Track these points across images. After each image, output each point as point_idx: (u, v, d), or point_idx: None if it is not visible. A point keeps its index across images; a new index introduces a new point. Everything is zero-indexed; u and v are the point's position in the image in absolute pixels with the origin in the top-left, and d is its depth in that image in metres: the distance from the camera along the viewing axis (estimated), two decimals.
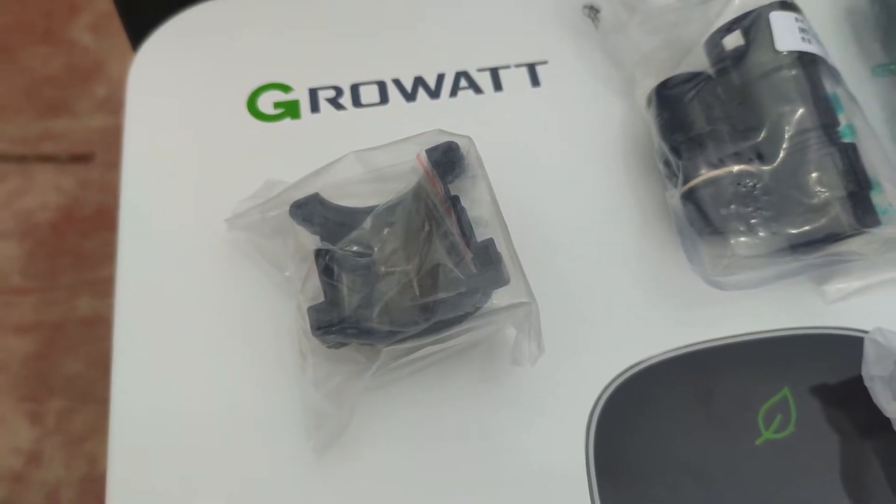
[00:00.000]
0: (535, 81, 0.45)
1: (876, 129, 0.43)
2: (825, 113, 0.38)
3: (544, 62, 0.46)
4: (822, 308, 0.39)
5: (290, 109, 0.44)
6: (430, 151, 0.36)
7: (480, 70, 0.46)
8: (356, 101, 0.45)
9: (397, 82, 0.45)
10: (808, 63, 0.38)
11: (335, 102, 0.45)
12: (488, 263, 0.33)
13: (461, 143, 0.36)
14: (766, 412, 0.36)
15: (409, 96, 0.45)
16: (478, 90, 0.45)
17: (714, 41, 0.40)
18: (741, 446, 0.35)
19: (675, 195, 0.38)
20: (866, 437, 0.35)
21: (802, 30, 0.38)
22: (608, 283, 0.39)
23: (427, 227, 0.35)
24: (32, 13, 1.26)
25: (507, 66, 0.46)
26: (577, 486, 0.34)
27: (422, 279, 0.34)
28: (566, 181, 0.42)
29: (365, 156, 0.37)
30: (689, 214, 0.37)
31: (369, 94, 0.45)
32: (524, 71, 0.46)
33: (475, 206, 0.36)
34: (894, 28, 0.43)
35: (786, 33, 0.38)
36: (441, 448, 0.35)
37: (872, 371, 0.35)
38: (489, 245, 0.33)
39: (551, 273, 0.39)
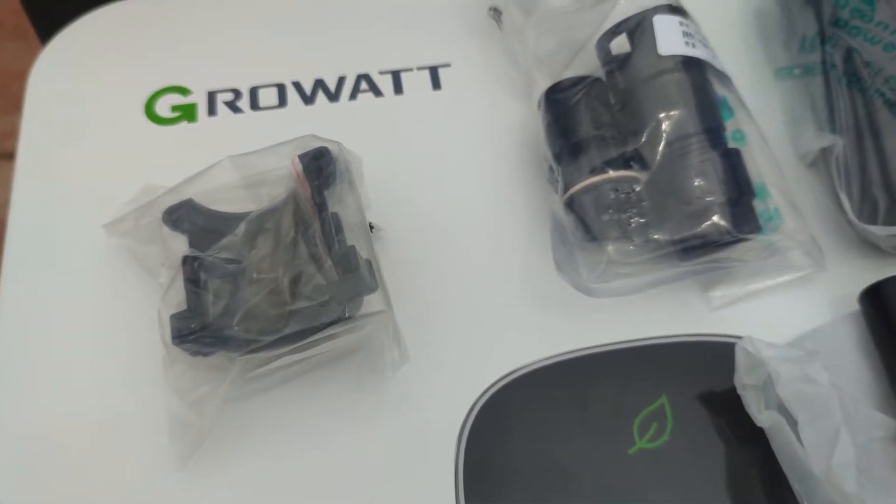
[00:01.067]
0: (436, 84, 0.45)
1: (775, 132, 0.43)
2: (708, 118, 0.37)
3: (447, 65, 0.46)
4: (706, 315, 0.38)
5: (187, 113, 0.44)
6: (302, 157, 0.36)
7: (382, 73, 0.45)
8: (254, 104, 0.44)
9: (297, 85, 0.45)
10: (692, 67, 0.38)
11: (233, 105, 0.44)
12: (348, 271, 0.32)
13: (332, 147, 0.36)
14: (642, 421, 0.36)
15: (308, 99, 0.44)
16: (378, 93, 0.45)
17: (602, 44, 0.39)
18: (614, 455, 0.35)
19: (556, 201, 0.38)
20: (740, 447, 0.35)
21: (687, 34, 0.38)
22: (489, 290, 0.38)
23: (294, 234, 0.34)
24: (2, 10, 1.26)
25: (410, 69, 0.46)
26: (445, 496, 0.34)
27: (286, 287, 0.34)
28: (457, 186, 0.42)
29: (240, 161, 0.37)
30: (569, 221, 0.37)
31: (268, 96, 0.45)
32: (426, 74, 0.45)
33: (349, 212, 0.35)
34: (795, 30, 0.42)
35: (669, 37, 0.37)
36: (307, 458, 0.35)
37: (744, 380, 0.34)
38: (349, 252, 0.33)
39: (431, 280, 0.38)
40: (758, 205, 0.38)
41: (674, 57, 0.37)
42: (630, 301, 0.38)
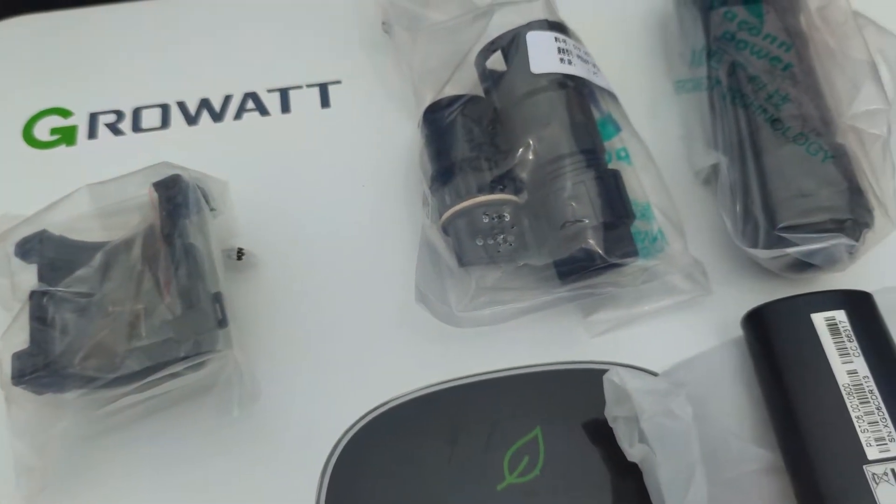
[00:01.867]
0: (325, 102, 0.44)
1: (674, 147, 0.41)
2: (584, 138, 0.36)
3: (338, 82, 0.44)
4: (587, 341, 0.37)
5: (66, 136, 0.43)
6: (157, 184, 0.35)
7: (271, 91, 0.44)
8: (136, 126, 0.43)
9: (181, 105, 0.44)
10: (568, 86, 0.36)
11: (114, 128, 0.43)
12: (189, 307, 0.31)
13: (187, 174, 0.34)
14: (514, 454, 0.34)
15: (192, 120, 0.43)
16: (264, 112, 0.44)
17: (479, 61, 0.38)
18: (482, 492, 0.34)
19: (428, 226, 0.36)
20: (613, 481, 0.34)
21: (563, 50, 0.37)
22: (361, 319, 0.37)
23: (143, 266, 0.33)
24: None
25: (299, 87, 0.44)
26: None
27: (133, 322, 0.32)
28: (338, 209, 0.40)
29: (99, 189, 0.36)
30: (441, 247, 0.36)
31: (151, 117, 0.43)
32: (316, 91, 0.44)
33: (205, 242, 0.34)
34: (687, 42, 0.41)
35: (542, 55, 0.36)
36: (161, 499, 0.33)
37: (614, 412, 0.33)
38: (192, 286, 0.32)
39: (302, 308, 0.37)
40: (643, 226, 0.37)
41: (547, 75, 0.36)
42: (509, 328, 0.37)
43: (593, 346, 0.37)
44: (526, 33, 0.36)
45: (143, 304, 0.32)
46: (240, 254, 0.37)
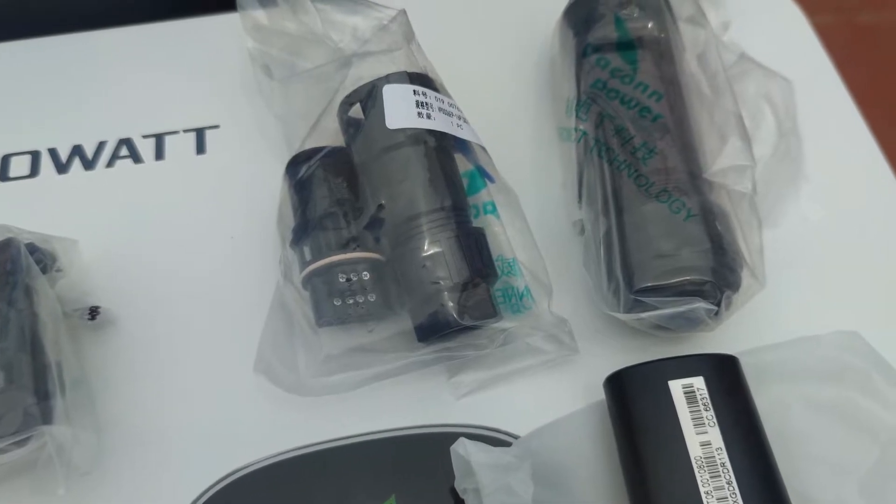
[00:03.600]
0: (200, 148, 0.43)
1: (555, 195, 0.40)
2: (442, 195, 0.34)
3: (216, 126, 0.43)
4: (453, 403, 0.36)
5: None
6: None
7: (146, 136, 0.43)
8: (3, 175, 0.42)
9: (53, 152, 0.42)
10: (427, 141, 0.35)
11: None
12: (10, 382, 0.30)
13: (19, 238, 0.33)
14: None
15: (62, 167, 0.42)
16: (137, 159, 0.42)
17: (341, 113, 0.37)
18: None
19: (282, 286, 0.35)
20: None
21: (422, 104, 0.35)
22: (214, 381, 0.36)
23: None
24: None
25: (176, 132, 0.43)
26: None
27: None
28: (201, 263, 0.39)
29: None
30: (293, 307, 0.34)
31: (20, 165, 0.42)
32: (192, 137, 0.43)
33: (44, 307, 0.33)
34: (562, 91, 0.40)
35: (399, 109, 0.35)
36: None
37: (462, 484, 0.32)
38: (15, 361, 0.30)
39: (153, 371, 0.36)
40: (510, 282, 0.36)
41: (404, 130, 0.35)
42: (369, 389, 0.35)
43: (458, 407, 0.36)
44: (383, 86, 0.35)
45: None
46: (93, 313, 0.36)
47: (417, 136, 0.35)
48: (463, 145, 0.36)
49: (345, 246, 0.35)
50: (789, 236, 0.40)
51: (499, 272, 0.35)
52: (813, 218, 0.40)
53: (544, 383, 0.36)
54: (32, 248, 0.34)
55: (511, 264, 0.36)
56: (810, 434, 0.34)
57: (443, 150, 0.35)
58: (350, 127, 0.36)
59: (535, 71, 0.45)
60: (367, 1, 0.38)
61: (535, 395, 0.36)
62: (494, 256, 0.36)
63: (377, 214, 0.34)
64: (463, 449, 0.31)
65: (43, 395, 0.30)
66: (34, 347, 0.31)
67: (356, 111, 0.36)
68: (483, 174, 0.37)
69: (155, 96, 0.44)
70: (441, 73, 0.39)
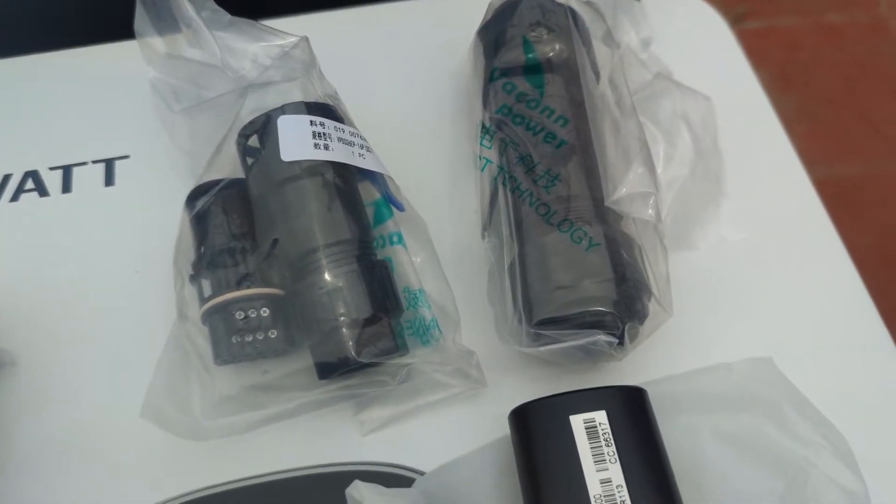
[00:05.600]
0: (109, 180, 0.41)
1: (469, 222, 0.39)
2: (340, 229, 0.34)
3: (125, 157, 0.42)
4: (359, 440, 0.35)
5: None
6: None
7: (53, 168, 0.42)
8: None
9: None
10: (323, 173, 0.34)
11: None
12: None
13: None
14: None
15: None
16: (43, 192, 0.41)
17: (239, 144, 0.36)
18: None
19: (177, 325, 0.34)
20: None
21: (320, 134, 0.35)
22: (111, 423, 0.35)
23: None
24: None
25: (84, 163, 0.42)
26: None
27: None
28: (104, 299, 0.38)
29: None
30: (188, 346, 0.34)
31: None
32: (101, 168, 0.42)
33: None
34: (472, 117, 0.39)
35: (295, 140, 0.34)
36: None
37: None
38: None
39: (50, 413, 0.35)
40: (420, 312, 0.35)
41: (300, 163, 0.34)
42: (275, 427, 0.34)
43: (365, 445, 0.35)
44: (278, 117, 0.34)
45: None
46: None
47: (314, 168, 0.34)
48: (370, 174, 0.36)
49: (240, 282, 0.34)
50: (707, 258, 0.39)
51: (404, 305, 0.35)
52: (732, 239, 0.40)
53: (453, 417, 0.35)
54: None
55: (417, 295, 0.35)
56: (720, 465, 0.33)
57: (344, 181, 0.35)
58: (248, 159, 0.35)
59: (453, 95, 0.44)
60: (270, 28, 0.37)
61: (444, 430, 0.35)
62: (401, 288, 0.35)
63: (271, 250, 0.33)
64: (357, 492, 0.30)
65: None
66: None
67: (254, 142, 0.36)
68: (390, 203, 0.36)
69: (62, 127, 0.43)
70: (350, 100, 0.38)
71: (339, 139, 0.35)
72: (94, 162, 0.42)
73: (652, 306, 0.33)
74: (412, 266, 0.36)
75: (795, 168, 0.43)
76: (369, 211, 0.36)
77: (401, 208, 0.37)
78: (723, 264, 0.39)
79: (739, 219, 0.40)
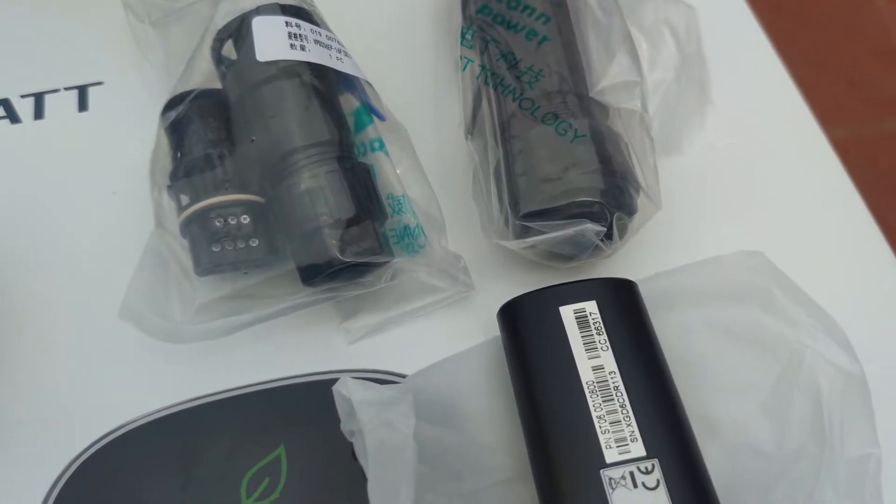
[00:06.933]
0: (83, 106, 0.41)
1: (452, 126, 0.39)
2: (319, 130, 0.33)
3: (99, 83, 0.41)
4: (346, 349, 0.34)
5: None
6: None
7: (24, 96, 0.41)
8: None
9: None
10: (300, 74, 0.33)
11: None
12: None
13: None
14: (253, 477, 0.32)
15: None
16: (15, 119, 0.40)
17: (214, 50, 0.35)
18: None
19: (156, 233, 0.33)
20: (357, 501, 0.31)
21: (295, 35, 0.34)
22: (93, 338, 0.34)
23: None
24: None
25: (57, 90, 0.41)
26: None
27: None
28: (82, 220, 0.37)
29: None
30: (167, 255, 0.33)
31: None
32: (74, 95, 0.41)
33: None
34: (452, 20, 0.38)
35: (270, 41, 0.33)
36: None
37: (348, 426, 0.30)
38: None
39: (30, 330, 0.34)
40: (404, 219, 0.34)
41: (277, 63, 0.33)
42: (259, 338, 0.34)
43: (351, 353, 0.34)
44: (252, 18, 0.33)
45: None
46: None
47: (291, 69, 0.33)
48: (348, 83, 0.35)
49: (218, 188, 0.33)
50: (696, 163, 0.39)
51: (388, 210, 0.34)
52: (720, 145, 0.39)
53: (440, 322, 0.35)
54: None
55: (401, 201, 0.34)
56: (712, 356, 0.32)
57: (322, 82, 0.34)
58: (223, 65, 0.35)
59: (431, 1, 0.43)
60: None
61: (431, 335, 0.34)
62: (384, 194, 0.34)
63: (249, 152, 0.33)
64: (345, 388, 0.30)
65: None
66: None
67: (228, 49, 0.35)
68: (370, 110, 0.36)
69: (33, 53, 0.42)
70: (327, 7, 0.38)
71: (316, 41, 0.34)
72: (67, 89, 0.41)
73: (641, 200, 0.33)
74: (395, 173, 0.35)
75: (781, 76, 0.42)
76: (350, 121, 0.35)
77: (381, 117, 0.36)
78: (711, 168, 0.38)
79: (726, 126, 0.40)
